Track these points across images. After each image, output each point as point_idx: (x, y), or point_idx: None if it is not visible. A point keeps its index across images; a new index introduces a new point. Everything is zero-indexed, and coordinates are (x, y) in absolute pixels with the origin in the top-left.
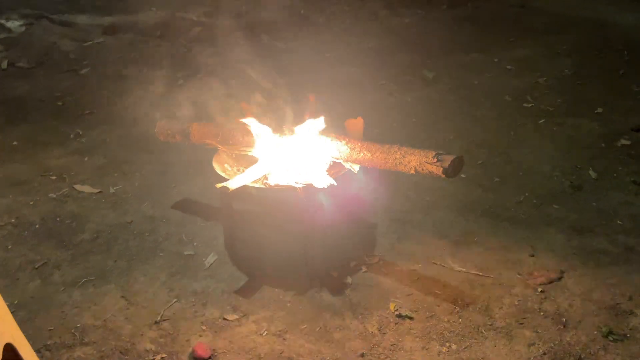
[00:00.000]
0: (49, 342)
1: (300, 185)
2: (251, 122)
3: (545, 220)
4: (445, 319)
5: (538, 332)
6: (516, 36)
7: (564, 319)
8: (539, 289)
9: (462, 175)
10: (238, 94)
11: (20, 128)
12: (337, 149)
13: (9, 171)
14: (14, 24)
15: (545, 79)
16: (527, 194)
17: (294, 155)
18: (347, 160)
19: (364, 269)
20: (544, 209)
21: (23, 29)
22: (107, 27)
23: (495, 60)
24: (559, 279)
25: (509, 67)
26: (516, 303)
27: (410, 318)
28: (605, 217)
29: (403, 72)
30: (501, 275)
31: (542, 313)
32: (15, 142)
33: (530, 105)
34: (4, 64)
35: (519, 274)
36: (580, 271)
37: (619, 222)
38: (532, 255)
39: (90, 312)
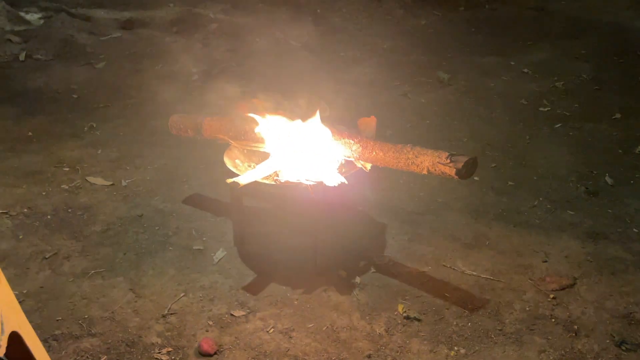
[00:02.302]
0: (56, 332)
1: (311, 183)
2: (263, 118)
3: (560, 226)
4: (454, 323)
5: (549, 339)
6: (534, 39)
7: (576, 327)
8: (551, 295)
9: (475, 178)
10: (252, 90)
11: (36, 119)
12: (349, 148)
13: (23, 161)
14: (33, 17)
15: (562, 83)
16: (541, 199)
17: (306, 152)
18: (359, 159)
19: (373, 269)
20: (558, 214)
21: (42, 21)
22: (124, 21)
23: (512, 63)
24: (572, 285)
25: (525, 70)
26: (527, 309)
27: (419, 320)
28: (621, 224)
29: (418, 73)
30: (512, 280)
31: (553, 320)
32: (30, 133)
33: (546, 109)
34: (22, 56)
35: (531, 280)
36: (594, 278)
37: (634, 229)
38: (545, 261)
39: (99, 303)
